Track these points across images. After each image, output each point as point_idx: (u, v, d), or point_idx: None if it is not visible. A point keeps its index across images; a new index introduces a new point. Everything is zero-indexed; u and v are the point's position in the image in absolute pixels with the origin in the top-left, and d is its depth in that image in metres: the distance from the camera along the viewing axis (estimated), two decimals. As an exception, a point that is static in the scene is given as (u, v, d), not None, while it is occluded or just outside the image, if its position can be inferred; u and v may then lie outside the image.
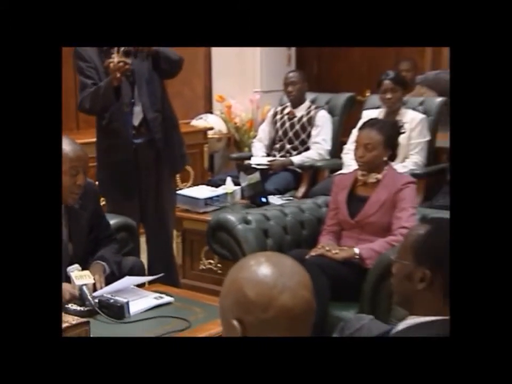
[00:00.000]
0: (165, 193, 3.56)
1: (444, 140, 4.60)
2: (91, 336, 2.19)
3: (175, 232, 3.95)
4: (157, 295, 2.64)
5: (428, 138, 4.50)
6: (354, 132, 4.08)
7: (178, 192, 4.17)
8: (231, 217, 3.27)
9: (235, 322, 1.26)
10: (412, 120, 4.44)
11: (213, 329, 2.34)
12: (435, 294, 1.66)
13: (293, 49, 6.61)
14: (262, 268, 1.27)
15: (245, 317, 1.25)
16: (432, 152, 4.60)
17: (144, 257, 3.50)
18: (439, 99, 4.84)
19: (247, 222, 3.27)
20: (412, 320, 1.69)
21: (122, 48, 3.07)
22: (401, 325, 1.71)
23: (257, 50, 6.25)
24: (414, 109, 4.62)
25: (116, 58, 3.07)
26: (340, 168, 4.45)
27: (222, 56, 6.47)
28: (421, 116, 4.53)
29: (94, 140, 3.57)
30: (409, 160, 4.38)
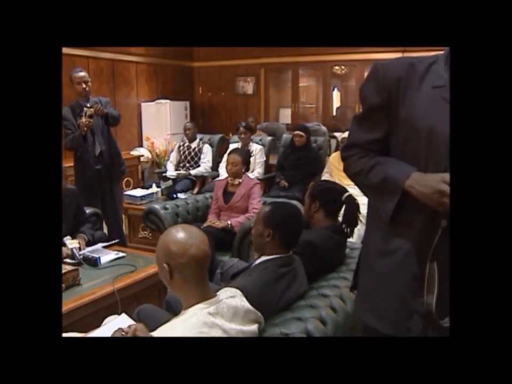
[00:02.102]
0: (115, 194, 3.47)
1: (272, 160, 4.73)
2: (79, 277, 2.10)
3: (123, 216, 3.78)
4: (115, 252, 2.51)
5: (264, 159, 4.56)
6: (225, 156, 4.09)
7: (125, 193, 4.04)
8: (157, 206, 3.18)
9: (165, 265, 1.22)
10: (256, 149, 4.49)
11: (149, 270, 2.28)
12: (275, 243, 1.69)
13: (188, 109, 6.55)
14: (179, 233, 1.24)
15: (170, 262, 1.23)
16: (267, 167, 4.65)
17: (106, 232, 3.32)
18: (269, 138, 4.94)
19: (166, 208, 3.19)
20: (263, 258, 1.71)
21: (87, 113, 3.04)
22: (257, 261, 1.72)
23: (167, 112, 6.17)
24: (256, 143, 4.66)
25: (84, 119, 3.05)
26: (218, 176, 4.40)
27: (147, 113, 6.29)
28: (260, 146, 4.58)
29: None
30: (256, 171, 4.42)
